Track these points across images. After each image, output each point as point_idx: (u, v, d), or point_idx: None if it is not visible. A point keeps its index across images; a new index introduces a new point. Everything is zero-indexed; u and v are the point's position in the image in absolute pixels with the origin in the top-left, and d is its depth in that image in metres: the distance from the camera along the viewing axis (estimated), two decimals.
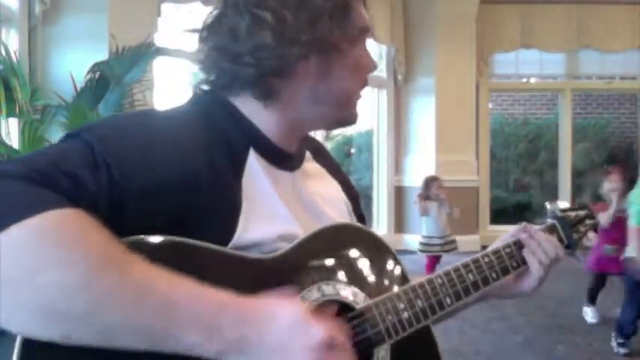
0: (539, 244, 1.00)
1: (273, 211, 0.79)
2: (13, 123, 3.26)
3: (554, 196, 7.58)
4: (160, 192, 0.68)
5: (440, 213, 4.80)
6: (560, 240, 1.06)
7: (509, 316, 3.77)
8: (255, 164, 0.80)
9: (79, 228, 0.58)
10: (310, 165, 0.93)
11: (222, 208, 0.73)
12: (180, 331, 0.59)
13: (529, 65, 7.31)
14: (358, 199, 1.02)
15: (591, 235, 1.15)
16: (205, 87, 0.84)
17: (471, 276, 0.92)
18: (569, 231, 1.07)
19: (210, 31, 0.81)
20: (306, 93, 0.82)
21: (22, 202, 0.57)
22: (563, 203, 1.14)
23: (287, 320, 0.64)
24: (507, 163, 9.77)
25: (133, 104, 3.50)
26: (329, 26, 0.79)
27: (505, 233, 1.05)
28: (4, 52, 3.16)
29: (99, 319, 0.56)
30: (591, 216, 1.14)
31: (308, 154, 0.93)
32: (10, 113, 3.11)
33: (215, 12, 0.82)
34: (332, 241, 0.83)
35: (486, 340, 3.38)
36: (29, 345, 0.57)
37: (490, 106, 8.04)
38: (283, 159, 0.85)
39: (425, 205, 4.82)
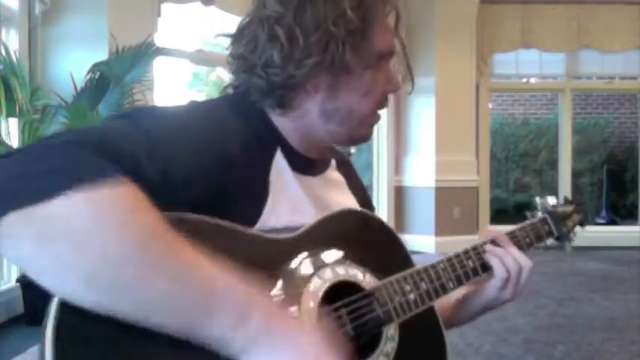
0: (507, 249, 1.03)
1: (298, 205, 0.84)
2: (13, 123, 3.25)
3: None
4: (202, 178, 0.71)
5: None
6: (551, 233, 1.16)
7: (509, 316, 3.77)
8: (281, 162, 0.84)
9: (132, 202, 0.60)
10: (332, 173, 0.98)
11: (251, 192, 0.78)
12: (214, 311, 0.60)
13: (529, 65, 7.29)
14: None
15: (578, 229, 1.24)
16: (236, 90, 0.88)
17: (470, 262, 0.99)
18: (558, 224, 1.17)
19: (236, 39, 0.86)
20: (316, 109, 0.85)
21: (86, 170, 0.59)
22: (552, 199, 1.23)
23: (304, 349, 0.64)
24: (507, 163, 9.77)
25: (133, 104, 3.49)
26: (341, 51, 0.80)
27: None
28: (4, 52, 3.15)
29: (140, 290, 0.57)
30: (577, 212, 1.24)
31: (333, 162, 0.98)
32: (10, 113, 3.10)
33: (245, 21, 0.86)
34: (343, 225, 0.87)
35: (486, 340, 3.38)
36: (66, 311, 0.58)
37: (490, 106, 8.04)
38: (304, 164, 0.89)
39: None
